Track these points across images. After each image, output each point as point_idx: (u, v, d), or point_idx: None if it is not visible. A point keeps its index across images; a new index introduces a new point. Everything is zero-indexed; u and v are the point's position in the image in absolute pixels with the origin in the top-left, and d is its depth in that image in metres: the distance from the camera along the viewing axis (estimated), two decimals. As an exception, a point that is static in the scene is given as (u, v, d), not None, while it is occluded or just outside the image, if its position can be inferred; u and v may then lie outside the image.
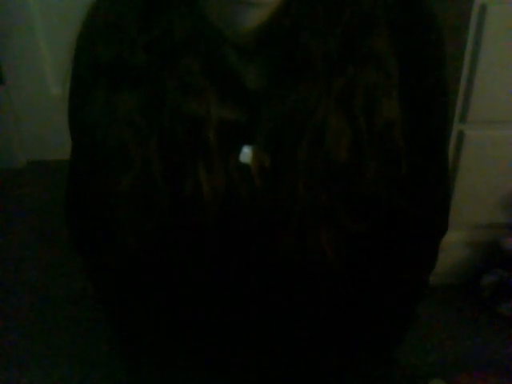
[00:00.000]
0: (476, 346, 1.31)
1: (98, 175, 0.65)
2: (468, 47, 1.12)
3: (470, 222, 1.37)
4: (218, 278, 0.71)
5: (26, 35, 1.73)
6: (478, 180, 1.28)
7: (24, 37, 1.72)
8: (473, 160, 1.25)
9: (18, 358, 1.30)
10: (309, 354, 0.78)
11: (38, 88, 1.79)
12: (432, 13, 0.63)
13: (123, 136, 0.61)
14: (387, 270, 0.73)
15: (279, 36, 0.59)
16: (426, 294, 0.80)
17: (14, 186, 1.83)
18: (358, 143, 0.60)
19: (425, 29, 0.63)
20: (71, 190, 0.76)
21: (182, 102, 0.60)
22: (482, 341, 1.32)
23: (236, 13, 0.57)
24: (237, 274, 0.70)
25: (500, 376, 1.23)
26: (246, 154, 0.62)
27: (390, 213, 0.65)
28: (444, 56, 0.65)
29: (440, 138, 0.70)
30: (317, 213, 0.62)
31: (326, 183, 0.61)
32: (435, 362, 1.28)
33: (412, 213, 0.68)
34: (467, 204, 1.31)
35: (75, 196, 0.75)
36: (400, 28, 0.61)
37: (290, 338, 0.77)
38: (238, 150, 0.62)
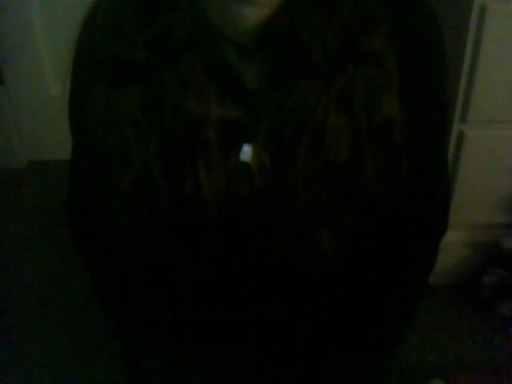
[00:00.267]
0: (476, 346, 1.32)
1: (99, 174, 0.65)
2: (468, 47, 1.13)
3: (469, 222, 1.37)
4: (217, 278, 0.71)
5: (26, 35, 1.73)
6: (478, 180, 1.28)
7: (24, 37, 1.72)
8: (473, 160, 1.25)
9: (18, 358, 1.30)
10: (309, 353, 0.78)
11: (38, 88, 1.80)
12: (432, 11, 0.63)
13: (124, 134, 0.61)
14: (387, 269, 0.73)
15: (279, 35, 0.59)
16: (426, 294, 0.80)
17: (14, 186, 1.83)
18: (357, 142, 0.60)
19: (424, 27, 0.63)
20: (72, 189, 0.76)
21: (181, 101, 0.60)
22: (482, 341, 1.33)
23: (236, 11, 0.57)
24: (237, 273, 0.70)
25: (500, 376, 1.23)
26: (246, 152, 0.62)
27: (389, 212, 0.65)
28: (444, 54, 0.65)
29: (440, 137, 0.69)
30: (317, 212, 0.62)
31: (325, 182, 0.61)
32: (435, 361, 1.28)
33: (412, 212, 0.68)
34: (467, 204, 1.31)
35: (76, 195, 0.75)
36: (400, 26, 0.61)
37: (290, 338, 0.77)
38: (238, 149, 0.62)
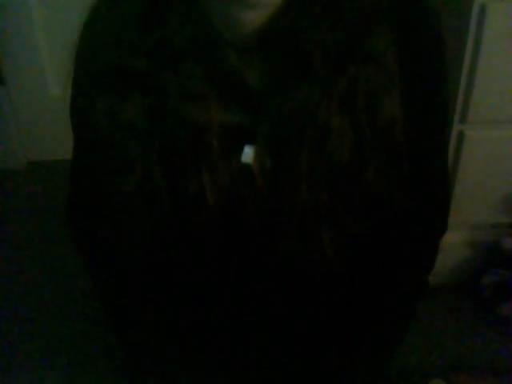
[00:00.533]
0: (476, 346, 1.32)
1: (100, 176, 0.65)
2: (468, 47, 1.13)
3: (469, 222, 1.37)
4: (218, 278, 0.71)
5: (26, 35, 1.73)
6: (478, 180, 1.28)
7: (24, 37, 1.72)
8: (473, 160, 1.25)
9: (18, 358, 1.30)
10: (309, 353, 0.78)
11: (38, 88, 1.80)
12: (433, 12, 0.63)
13: (126, 139, 0.61)
14: (387, 269, 0.73)
15: (280, 37, 0.59)
16: (426, 294, 0.80)
17: (14, 186, 1.83)
18: (359, 143, 0.60)
19: (425, 27, 0.63)
20: (73, 189, 0.76)
21: (183, 108, 0.60)
22: (482, 341, 1.32)
23: (237, 15, 0.57)
24: (237, 273, 0.70)
25: (500, 376, 1.23)
26: (248, 153, 0.62)
27: (390, 212, 0.65)
28: (444, 54, 0.65)
29: (440, 137, 0.70)
30: (318, 212, 0.62)
31: (327, 183, 0.61)
32: (435, 362, 1.28)
33: (412, 212, 0.68)
34: (467, 204, 1.31)
35: (77, 196, 0.76)
36: (400, 27, 0.61)
37: (290, 338, 0.77)
38: (240, 151, 0.62)
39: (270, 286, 0.71)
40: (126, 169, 0.62)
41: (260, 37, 0.59)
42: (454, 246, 1.37)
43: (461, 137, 1.23)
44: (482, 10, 1.08)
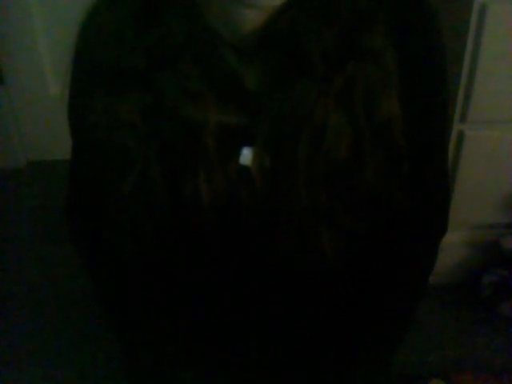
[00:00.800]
0: (476, 345, 1.32)
1: (99, 176, 0.65)
2: (468, 47, 1.13)
3: (470, 222, 1.37)
4: (218, 278, 0.71)
5: (26, 35, 1.73)
6: (478, 180, 1.28)
7: (24, 37, 1.72)
8: (473, 160, 1.25)
9: (18, 358, 1.30)
10: (309, 353, 0.78)
11: (37, 88, 1.79)
12: (431, 9, 0.63)
13: (124, 139, 0.61)
14: (387, 269, 0.73)
15: (278, 36, 0.58)
16: (426, 294, 0.80)
17: (14, 186, 1.83)
18: (358, 141, 0.60)
19: (424, 25, 0.63)
20: (72, 190, 0.76)
21: (180, 108, 0.60)
22: (482, 341, 1.32)
23: (238, 15, 0.57)
24: (237, 273, 0.70)
25: (500, 376, 1.23)
26: (246, 155, 0.62)
27: (390, 212, 0.65)
28: (444, 53, 0.65)
29: (440, 136, 0.69)
30: (317, 212, 0.62)
31: (326, 182, 0.61)
32: (435, 361, 1.28)
33: (412, 213, 0.68)
34: (467, 204, 1.31)
35: (76, 196, 0.76)
36: (399, 25, 0.61)
37: (290, 337, 0.77)
38: (238, 153, 0.62)
39: (270, 285, 0.71)
40: (124, 168, 0.62)
41: (258, 36, 0.59)
42: (453, 245, 1.37)
43: (461, 137, 1.23)
44: (482, 10, 1.08)
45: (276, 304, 0.73)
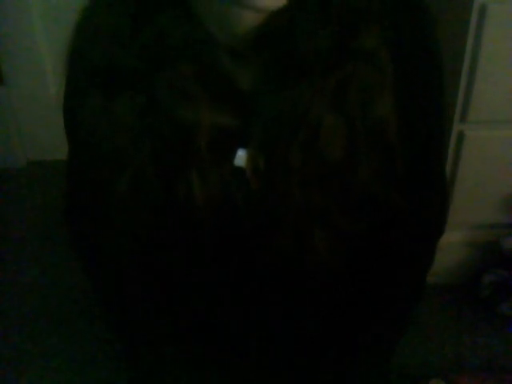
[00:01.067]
0: (476, 345, 1.31)
1: (94, 177, 0.65)
2: (468, 47, 1.12)
3: (469, 222, 1.37)
4: (217, 278, 0.71)
5: (26, 35, 1.72)
6: (478, 180, 1.28)
7: (24, 37, 1.72)
8: (473, 160, 1.25)
9: (18, 358, 1.30)
10: (309, 354, 0.78)
11: (38, 88, 1.79)
12: (426, 8, 0.63)
13: (118, 140, 0.61)
14: (384, 270, 0.73)
15: (273, 37, 0.58)
16: (426, 293, 0.80)
17: (14, 186, 1.83)
18: (352, 142, 0.60)
19: (419, 25, 0.62)
20: (69, 191, 0.76)
21: (173, 109, 0.60)
22: (482, 341, 1.32)
23: (233, 15, 0.57)
24: (236, 274, 0.70)
25: (500, 376, 1.23)
26: (241, 157, 0.62)
27: (386, 213, 0.65)
28: (439, 52, 0.64)
29: (436, 136, 0.69)
30: (311, 213, 0.62)
31: (320, 183, 0.61)
32: (435, 362, 1.28)
33: (409, 213, 0.68)
34: (467, 204, 1.30)
35: (73, 197, 0.76)
36: (393, 23, 0.61)
37: (290, 337, 0.77)
38: (232, 154, 0.62)
39: (270, 286, 0.71)
40: (119, 168, 0.62)
41: (253, 37, 0.59)
42: (453, 245, 1.37)
43: (461, 137, 1.23)
44: (482, 10, 1.08)
45: (276, 304, 0.73)
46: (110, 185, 0.63)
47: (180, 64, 0.59)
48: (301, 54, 0.58)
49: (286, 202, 0.61)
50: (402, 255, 0.73)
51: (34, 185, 1.82)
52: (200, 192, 0.61)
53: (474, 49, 1.12)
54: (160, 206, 0.63)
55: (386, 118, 0.60)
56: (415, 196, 0.68)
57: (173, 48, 0.59)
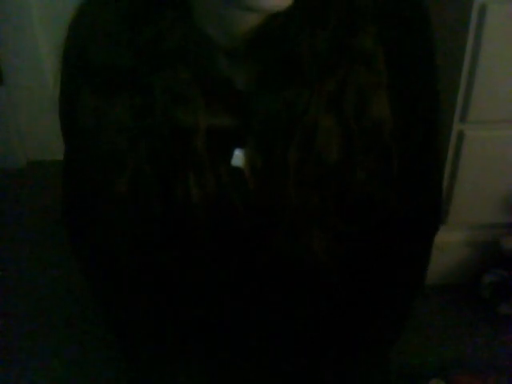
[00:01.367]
0: (476, 346, 1.31)
1: (92, 178, 0.65)
2: (468, 47, 1.12)
3: (470, 222, 1.37)
4: (215, 279, 0.71)
5: (26, 35, 1.72)
6: (478, 180, 1.28)
7: (24, 37, 1.72)
8: (473, 160, 1.25)
9: (18, 357, 1.30)
10: (308, 353, 0.78)
11: (38, 88, 1.79)
12: (421, 8, 0.63)
13: (115, 140, 0.61)
14: (382, 269, 0.73)
15: (270, 37, 0.58)
16: (422, 292, 0.80)
17: (14, 186, 1.83)
18: (348, 143, 0.60)
19: (414, 25, 0.62)
20: (66, 191, 0.76)
21: (169, 111, 0.60)
22: (482, 341, 1.32)
23: (234, 18, 0.57)
24: (236, 274, 0.70)
25: (500, 376, 1.23)
26: (238, 157, 0.62)
27: (382, 213, 0.65)
28: (434, 54, 0.64)
29: (431, 136, 0.69)
30: (308, 214, 0.62)
31: (317, 184, 0.61)
32: (435, 362, 1.28)
33: (404, 213, 0.68)
34: (467, 204, 1.30)
35: (70, 198, 0.76)
36: (389, 24, 0.61)
37: (290, 337, 0.77)
38: (229, 154, 0.62)
39: (269, 286, 0.71)
40: (117, 170, 0.62)
41: (251, 38, 0.59)
42: (454, 245, 1.37)
43: (461, 137, 1.23)
44: (482, 10, 1.08)
45: (275, 304, 0.73)
46: (109, 185, 0.63)
47: (176, 65, 0.59)
48: (298, 55, 0.58)
49: (283, 202, 0.61)
50: (399, 254, 0.73)
51: (34, 185, 1.82)
52: (197, 192, 0.61)
53: (473, 49, 1.12)
54: (158, 206, 0.63)
55: (382, 118, 0.60)
56: (411, 194, 0.68)
57: (170, 49, 0.59)
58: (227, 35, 0.59)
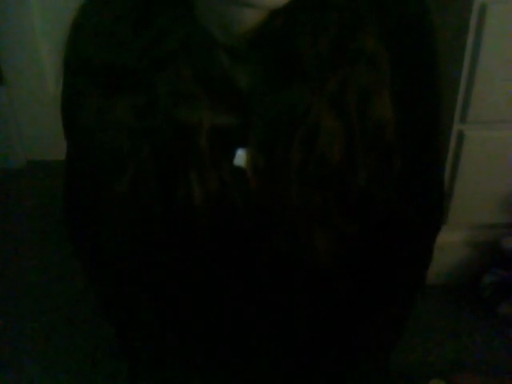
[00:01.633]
0: (476, 346, 1.32)
1: (94, 177, 0.65)
2: (468, 47, 1.13)
3: (470, 222, 1.37)
4: (216, 278, 0.71)
5: (26, 35, 1.72)
6: (478, 180, 1.28)
7: (24, 37, 1.72)
8: (473, 160, 1.25)
9: (18, 358, 1.30)
10: (309, 353, 0.78)
11: (38, 88, 1.79)
12: (423, 8, 0.63)
13: (117, 140, 0.61)
14: (384, 268, 0.73)
15: (272, 36, 0.58)
16: (426, 293, 0.80)
17: (14, 186, 1.83)
18: (350, 143, 0.60)
19: (416, 24, 0.62)
20: (68, 190, 0.76)
21: (172, 109, 0.60)
22: (482, 341, 1.32)
23: (236, 15, 0.57)
24: (236, 274, 0.70)
25: (500, 376, 1.23)
26: (240, 156, 0.62)
27: (384, 213, 0.65)
28: (437, 54, 0.64)
29: (433, 137, 0.69)
30: (310, 213, 0.62)
31: (319, 184, 0.61)
32: (435, 362, 1.28)
33: (406, 212, 0.68)
34: (467, 204, 1.31)
35: (72, 197, 0.76)
36: (391, 24, 0.61)
37: (290, 337, 0.77)
38: (231, 154, 0.62)
39: (270, 285, 0.71)
40: (119, 168, 0.62)
41: (253, 37, 0.59)
42: (454, 245, 1.37)
43: (461, 137, 1.23)
44: (482, 10, 1.08)
45: (275, 304, 0.73)
46: (110, 185, 0.63)
47: (179, 64, 0.59)
48: (300, 55, 0.58)
49: (285, 202, 0.61)
50: (400, 254, 0.73)
51: (34, 185, 1.82)
52: (199, 191, 0.61)
53: (473, 49, 1.12)
54: (159, 205, 0.63)
55: (384, 118, 0.60)
56: (413, 194, 0.68)
57: (173, 48, 0.59)
58: (229, 34, 0.59)
